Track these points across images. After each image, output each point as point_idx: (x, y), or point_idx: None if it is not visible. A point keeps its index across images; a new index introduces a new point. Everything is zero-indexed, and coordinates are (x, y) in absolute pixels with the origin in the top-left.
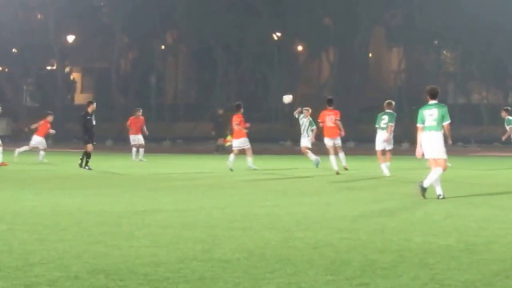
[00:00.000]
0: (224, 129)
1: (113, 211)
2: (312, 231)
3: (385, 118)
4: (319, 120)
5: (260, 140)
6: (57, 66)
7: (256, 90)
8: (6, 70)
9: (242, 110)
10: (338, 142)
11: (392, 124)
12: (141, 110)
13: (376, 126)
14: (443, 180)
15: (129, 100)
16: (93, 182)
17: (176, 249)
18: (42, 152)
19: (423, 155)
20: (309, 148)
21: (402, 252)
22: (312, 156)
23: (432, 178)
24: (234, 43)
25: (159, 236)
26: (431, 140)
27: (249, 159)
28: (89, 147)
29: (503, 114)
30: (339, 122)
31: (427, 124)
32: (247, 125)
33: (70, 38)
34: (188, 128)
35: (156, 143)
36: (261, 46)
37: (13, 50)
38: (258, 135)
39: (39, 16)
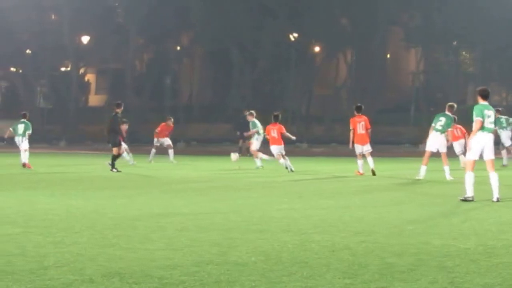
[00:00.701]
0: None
1: (128, 213)
2: (329, 234)
3: (442, 120)
4: (350, 127)
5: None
6: (71, 67)
7: (272, 92)
8: (20, 71)
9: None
10: (368, 148)
11: (451, 129)
12: (172, 119)
13: (433, 124)
14: (461, 183)
15: (144, 102)
16: (107, 184)
17: (191, 252)
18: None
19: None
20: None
21: (420, 256)
22: (265, 157)
23: (497, 185)
24: (250, 44)
25: (174, 239)
26: (490, 143)
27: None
28: (120, 149)
29: (496, 114)
30: (370, 131)
31: (485, 125)
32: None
33: (85, 39)
34: (203, 130)
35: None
36: (277, 47)
37: (27, 51)
38: None
39: (53, 17)
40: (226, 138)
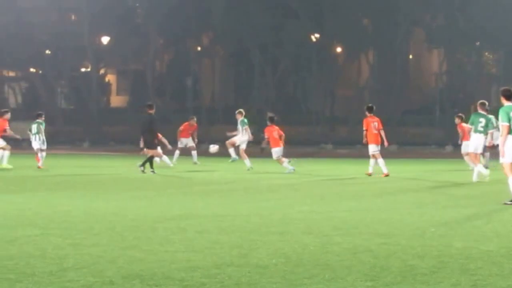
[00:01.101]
0: None
1: (149, 215)
2: (350, 236)
3: (482, 121)
4: (364, 128)
5: (300, 143)
6: (91, 68)
7: (295, 93)
8: (40, 72)
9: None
10: (379, 148)
11: (492, 130)
12: (195, 118)
13: (470, 126)
14: (486, 184)
15: (166, 103)
16: (128, 186)
17: (212, 254)
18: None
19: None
20: (235, 145)
21: (442, 258)
22: (232, 153)
23: None
24: (271, 44)
25: (194, 241)
26: None
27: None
28: (157, 151)
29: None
30: (382, 132)
31: None
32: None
33: (105, 40)
34: (226, 131)
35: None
36: (299, 47)
37: (47, 52)
38: (298, 138)
39: (73, 18)
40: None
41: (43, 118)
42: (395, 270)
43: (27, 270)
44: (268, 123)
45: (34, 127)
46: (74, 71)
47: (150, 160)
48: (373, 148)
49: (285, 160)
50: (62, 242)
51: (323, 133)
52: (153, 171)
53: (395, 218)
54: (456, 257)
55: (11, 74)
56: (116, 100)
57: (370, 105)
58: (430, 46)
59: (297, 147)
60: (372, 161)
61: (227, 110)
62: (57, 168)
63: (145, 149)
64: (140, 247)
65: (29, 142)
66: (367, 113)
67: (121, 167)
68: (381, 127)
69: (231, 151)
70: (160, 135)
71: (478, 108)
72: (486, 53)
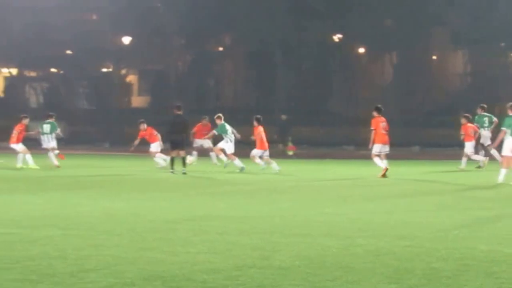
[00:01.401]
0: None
1: (169, 216)
2: (373, 238)
3: None
4: (372, 127)
5: (323, 144)
6: (112, 68)
7: (317, 93)
8: (61, 72)
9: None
10: (388, 149)
11: None
12: (207, 118)
13: (505, 129)
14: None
15: (188, 103)
16: (149, 187)
17: (233, 256)
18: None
19: None
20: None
21: (466, 261)
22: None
23: None
24: (293, 44)
25: (216, 242)
26: None
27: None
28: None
29: (479, 111)
30: (388, 133)
31: None
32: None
33: (126, 40)
34: (249, 132)
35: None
36: (322, 48)
37: (68, 52)
38: (320, 139)
39: (94, 17)
40: (273, 140)
41: (54, 119)
42: (418, 272)
43: (48, 271)
44: (255, 123)
45: (46, 127)
46: (95, 71)
47: (183, 160)
48: (379, 148)
49: (271, 161)
50: (82, 243)
51: (345, 134)
52: (172, 172)
53: (417, 220)
54: (480, 260)
55: (32, 74)
56: (138, 101)
57: (379, 106)
58: (454, 46)
59: (318, 148)
60: (378, 160)
61: (249, 110)
62: (78, 168)
63: (179, 151)
64: (161, 249)
65: (35, 141)
66: (375, 113)
67: (141, 168)
68: (387, 128)
69: (221, 157)
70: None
71: (509, 111)
72: (511, 54)
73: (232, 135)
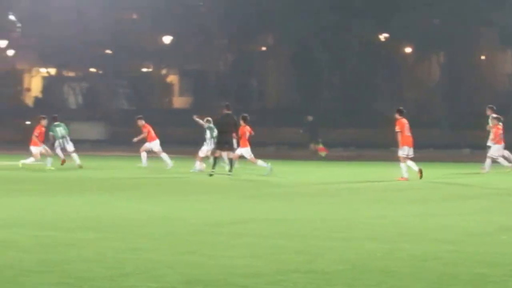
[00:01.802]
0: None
1: (209, 219)
2: (417, 243)
3: None
4: (397, 129)
5: (368, 145)
6: (153, 68)
7: (362, 93)
8: (100, 72)
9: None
10: (411, 152)
11: None
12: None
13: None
14: None
15: (230, 104)
16: (190, 189)
17: (276, 260)
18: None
19: None
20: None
21: None
22: (200, 166)
23: None
24: (337, 44)
25: (257, 246)
26: None
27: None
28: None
29: (489, 112)
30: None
31: None
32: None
33: (166, 39)
34: (292, 133)
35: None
36: (367, 47)
37: (107, 51)
38: (366, 140)
39: (134, 17)
40: (308, 141)
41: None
42: (464, 278)
43: (87, 275)
44: (242, 122)
45: (59, 130)
46: (134, 71)
47: (231, 161)
48: (407, 150)
49: (258, 161)
50: (121, 246)
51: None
52: (212, 173)
53: (462, 225)
54: None
55: (71, 74)
56: (179, 101)
57: (401, 108)
58: (503, 46)
59: (364, 149)
60: (406, 163)
61: (292, 111)
62: (117, 170)
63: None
64: (201, 252)
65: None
66: (398, 115)
67: (182, 170)
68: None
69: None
70: None
71: None
72: None
73: (214, 137)
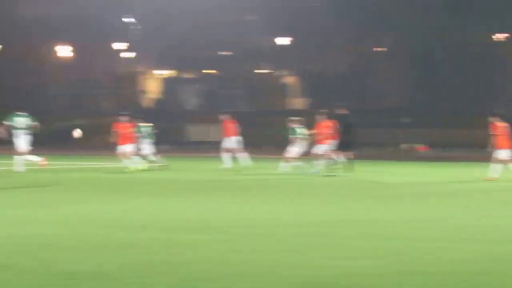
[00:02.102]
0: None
1: (310, 219)
2: None
3: None
4: (493, 132)
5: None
6: (269, 69)
7: (480, 94)
8: (217, 73)
9: None
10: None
11: None
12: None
13: None
14: None
15: (349, 104)
16: (305, 191)
17: (396, 261)
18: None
19: None
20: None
21: None
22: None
23: None
24: (456, 44)
25: (378, 247)
26: None
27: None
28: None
29: None
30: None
31: None
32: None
33: (284, 40)
34: (413, 134)
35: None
36: (485, 47)
37: (224, 53)
38: (483, 141)
39: (251, 18)
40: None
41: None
42: None
43: (207, 275)
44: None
45: (145, 130)
46: (252, 72)
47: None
48: (502, 154)
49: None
50: (241, 246)
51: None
52: (329, 175)
53: None
54: None
55: (188, 76)
56: (297, 102)
57: (497, 111)
58: None
59: (478, 151)
60: (499, 166)
61: (413, 111)
62: (234, 171)
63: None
64: (321, 254)
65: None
66: (493, 117)
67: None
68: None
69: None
70: None
71: None
72: None
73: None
